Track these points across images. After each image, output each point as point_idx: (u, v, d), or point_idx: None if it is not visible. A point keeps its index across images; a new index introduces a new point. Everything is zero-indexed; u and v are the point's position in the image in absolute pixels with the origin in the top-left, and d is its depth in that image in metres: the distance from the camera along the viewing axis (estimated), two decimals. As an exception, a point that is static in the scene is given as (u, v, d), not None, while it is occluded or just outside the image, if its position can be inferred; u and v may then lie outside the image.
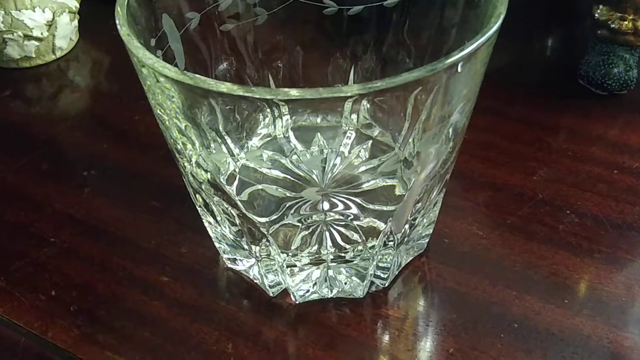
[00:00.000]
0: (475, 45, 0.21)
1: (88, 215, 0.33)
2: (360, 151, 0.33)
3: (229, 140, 0.27)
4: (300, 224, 0.25)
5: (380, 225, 0.26)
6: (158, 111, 0.23)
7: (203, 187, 0.25)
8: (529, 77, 0.41)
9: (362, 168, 0.27)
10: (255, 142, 0.32)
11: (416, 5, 0.28)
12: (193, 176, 0.25)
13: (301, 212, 0.26)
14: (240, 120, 0.30)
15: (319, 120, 0.33)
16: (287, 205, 0.25)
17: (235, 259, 0.29)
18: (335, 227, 0.26)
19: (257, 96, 0.19)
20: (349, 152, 0.33)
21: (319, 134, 0.33)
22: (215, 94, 0.20)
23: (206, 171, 0.24)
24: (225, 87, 0.19)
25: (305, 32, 0.31)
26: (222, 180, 0.24)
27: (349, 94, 0.20)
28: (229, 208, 0.25)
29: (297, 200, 0.26)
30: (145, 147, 0.37)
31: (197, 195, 0.26)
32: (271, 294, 0.28)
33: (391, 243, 0.27)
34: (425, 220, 0.28)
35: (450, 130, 0.24)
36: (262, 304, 0.28)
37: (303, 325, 0.28)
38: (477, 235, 0.30)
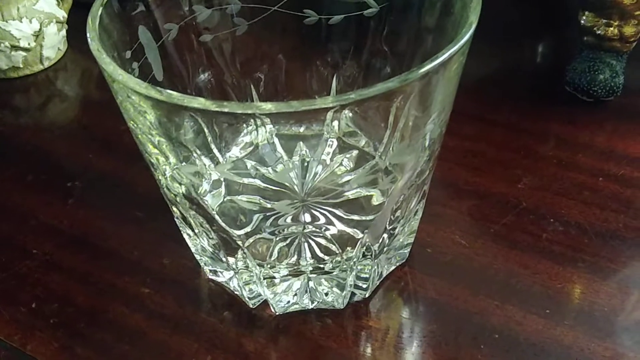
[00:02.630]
0: (447, 55, 0.20)
1: (71, 226, 0.33)
2: (342, 160, 0.33)
3: (206, 153, 0.27)
4: (275, 236, 0.25)
5: (358, 235, 0.26)
6: (131, 125, 0.23)
7: (178, 200, 0.25)
8: (516, 83, 0.41)
9: (345, 178, 0.27)
10: (236, 151, 0.32)
11: (394, 14, 0.28)
12: (168, 189, 0.25)
13: (279, 224, 0.25)
14: (219, 131, 0.29)
15: (302, 129, 0.33)
16: (265, 216, 0.25)
17: (215, 271, 0.29)
18: (314, 238, 0.26)
19: (230, 111, 0.19)
20: (331, 161, 0.33)
21: (301, 142, 0.33)
22: (188, 109, 0.20)
23: (180, 184, 0.24)
24: (197, 102, 0.19)
25: (286, 42, 0.31)
26: (198, 193, 0.24)
27: (323, 107, 0.20)
28: (204, 222, 0.25)
29: (276, 212, 0.25)
30: (130, 157, 0.37)
31: (174, 208, 0.26)
32: (251, 306, 0.28)
33: (369, 254, 0.26)
34: (405, 230, 0.28)
35: (427, 139, 0.24)
36: (242, 315, 0.28)
37: (284, 337, 0.27)
38: (460, 244, 0.30)
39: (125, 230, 0.32)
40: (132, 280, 0.30)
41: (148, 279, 0.30)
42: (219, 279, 0.29)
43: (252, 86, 0.32)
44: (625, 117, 0.37)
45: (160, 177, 0.24)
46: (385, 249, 0.27)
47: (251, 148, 0.32)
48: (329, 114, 0.31)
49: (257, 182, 0.31)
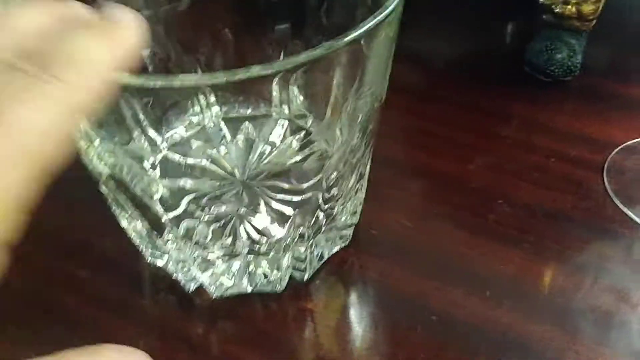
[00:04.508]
0: (373, 23, 0.20)
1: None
2: (292, 142, 0.32)
3: (144, 132, 0.26)
4: (208, 217, 0.25)
5: (291, 213, 0.25)
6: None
7: (104, 180, 0.24)
8: (475, 63, 0.40)
9: (293, 160, 0.27)
10: (181, 131, 0.31)
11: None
12: (93, 169, 0.24)
13: (214, 205, 0.25)
14: (160, 112, 0.29)
15: (249, 111, 0.32)
16: (197, 197, 0.25)
17: (154, 254, 0.28)
18: (249, 219, 0.25)
19: (164, 85, 0.18)
20: (281, 143, 0.32)
21: (247, 122, 0.32)
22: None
23: (106, 165, 0.23)
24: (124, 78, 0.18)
25: (230, 20, 0.30)
26: (123, 174, 0.23)
27: (255, 75, 0.19)
28: (131, 204, 0.24)
29: (213, 194, 0.25)
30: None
31: (104, 188, 0.26)
32: (188, 290, 0.28)
33: (306, 233, 0.26)
34: (347, 209, 0.27)
35: (359, 114, 0.23)
36: (183, 300, 0.28)
37: (223, 321, 0.27)
38: (405, 225, 0.30)
39: (65, 211, 0.32)
40: (71, 262, 0.29)
41: (87, 261, 0.29)
42: (158, 263, 0.29)
43: (197, 65, 0.31)
44: (584, 97, 0.36)
45: (83, 157, 0.24)
46: (323, 228, 0.26)
47: (198, 128, 0.32)
48: (275, 94, 0.30)
49: (204, 162, 0.31)
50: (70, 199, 0.32)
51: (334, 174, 0.24)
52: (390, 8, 0.20)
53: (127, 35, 0.14)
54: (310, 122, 0.32)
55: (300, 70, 0.19)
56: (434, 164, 0.32)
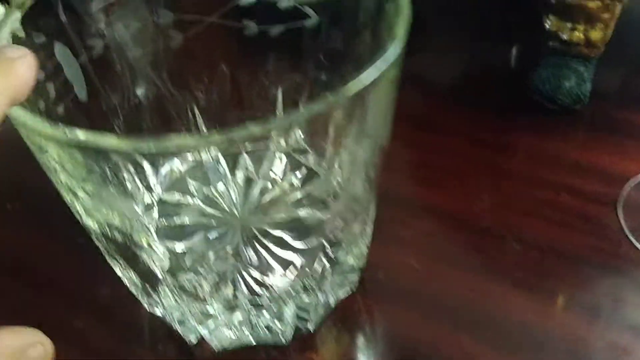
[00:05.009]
0: (377, 75, 0.19)
1: (4, 251, 0.31)
2: (292, 178, 0.31)
3: (135, 178, 0.25)
4: (205, 268, 0.23)
5: (296, 262, 0.24)
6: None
7: (95, 237, 0.23)
8: (479, 91, 0.39)
9: (293, 197, 0.25)
10: (177, 165, 0.30)
11: (332, 25, 0.26)
12: (84, 223, 0.23)
13: (214, 259, 0.24)
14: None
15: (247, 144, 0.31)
16: (193, 246, 0.24)
17: (151, 304, 0.27)
18: (249, 270, 0.24)
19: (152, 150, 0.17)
20: (282, 180, 0.31)
21: (245, 155, 0.31)
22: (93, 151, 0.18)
23: (93, 219, 0.22)
24: (107, 142, 0.17)
25: (226, 54, 0.29)
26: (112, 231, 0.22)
27: (254, 134, 0.17)
28: (121, 255, 0.23)
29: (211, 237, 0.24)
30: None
31: (94, 239, 0.24)
32: (190, 342, 0.26)
33: (310, 281, 0.25)
34: (352, 254, 0.26)
35: (362, 165, 0.22)
36: (182, 351, 0.27)
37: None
38: (413, 268, 0.28)
39: (63, 257, 0.31)
40: (68, 311, 0.28)
41: (85, 309, 0.28)
42: (157, 312, 0.27)
43: (193, 101, 0.30)
44: (595, 127, 0.35)
45: (74, 212, 0.23)
46: (328, 277, 0.25)
47: (193, 164, 0.31)
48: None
49: (198, 203, 0.30)
50: (68, 244, 0.31)
51: (338, 220, 0.23)
52: (396, 54, 0.19)
53: (19, 69, 0.16)
54: (311, 159, 0.31)
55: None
56: (440, 202, 0.31)
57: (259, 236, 0.24)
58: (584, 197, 0.31)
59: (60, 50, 0.24)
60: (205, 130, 0.31)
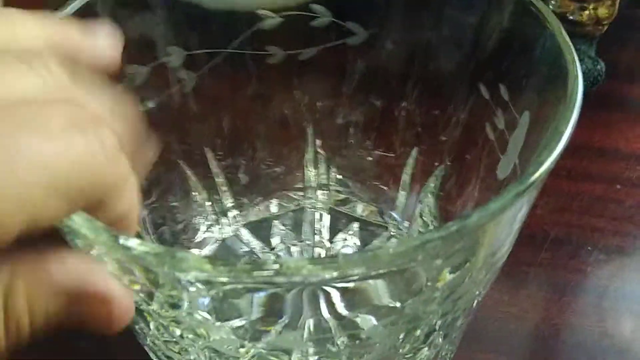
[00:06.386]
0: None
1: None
2: (345, 238, 0.26)
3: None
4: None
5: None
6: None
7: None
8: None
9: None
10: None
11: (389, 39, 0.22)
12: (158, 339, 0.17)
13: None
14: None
15: (273, 208, 0.26)
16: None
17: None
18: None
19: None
20: (331, 243, 0.26)
21: (276, 222, 0.26)
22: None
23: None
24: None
25: (246, 90, 0.24)
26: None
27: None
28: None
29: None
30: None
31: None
32: None
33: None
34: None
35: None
36: None
37: None
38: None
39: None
40: None
41: None
42: None
43: (210, 151, 0.25)
44: (613, 106, 0.33)
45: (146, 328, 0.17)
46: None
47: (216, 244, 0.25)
48: (311, 179, 0.25)
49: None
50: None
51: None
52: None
53: None
54: (359, 207, 0.26)
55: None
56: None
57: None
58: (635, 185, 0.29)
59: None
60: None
